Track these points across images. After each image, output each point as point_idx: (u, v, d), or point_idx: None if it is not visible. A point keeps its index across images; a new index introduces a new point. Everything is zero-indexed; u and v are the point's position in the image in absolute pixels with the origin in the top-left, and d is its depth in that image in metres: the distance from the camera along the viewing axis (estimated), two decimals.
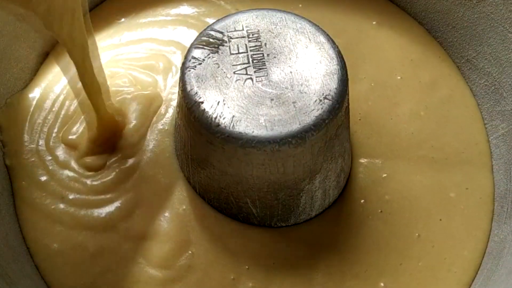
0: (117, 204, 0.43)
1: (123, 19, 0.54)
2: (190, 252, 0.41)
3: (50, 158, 0.45)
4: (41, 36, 0.51)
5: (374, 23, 0.53)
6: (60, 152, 0.45)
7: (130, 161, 0.44)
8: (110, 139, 0.45)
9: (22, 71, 0.49)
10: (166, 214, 0.43)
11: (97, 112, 0.43)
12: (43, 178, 0.44)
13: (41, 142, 0.46)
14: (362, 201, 0.44)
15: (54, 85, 0.49)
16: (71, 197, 0.43)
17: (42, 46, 0.51)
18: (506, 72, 0.47)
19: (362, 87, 0.49)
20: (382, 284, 0.41)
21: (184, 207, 0.43)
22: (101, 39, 0.52)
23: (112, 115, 0.44)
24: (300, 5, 0.53)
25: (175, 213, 0.43)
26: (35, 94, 0.48)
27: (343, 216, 0.44)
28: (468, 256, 0.42)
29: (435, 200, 0.44)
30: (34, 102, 0.48)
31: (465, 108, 0.49)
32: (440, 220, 0.44)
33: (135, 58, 0.51)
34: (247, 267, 0.41)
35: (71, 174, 0.44)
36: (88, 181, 0.44)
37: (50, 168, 0.44)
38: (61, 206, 0.43)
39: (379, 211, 0.44)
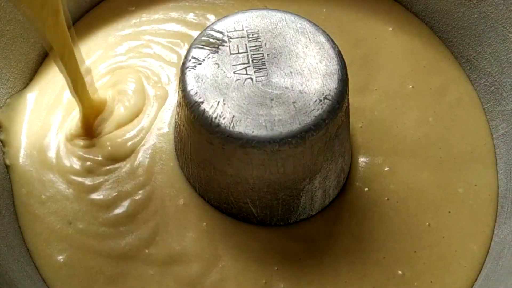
0: (135, 234, 0.42)
1: (134, 8, 0.54)
2: (220, 265, 0.41)
3: (45, 179, 0.44)
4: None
5: (390, 29, 0.53)
6: (58, 180, 0.44)
7: (142, 191, 0.43)
8: (94, 121, 0.45)
9: (22, 71, 0.49)
10: (190, 234, 0.42)
11: (81, 103, 0.43)
12: (44, 197, 0.43)
13: (37, 152, 0.45)
14: (366, 189, 0.44)
15: (54, 85, 0.49)
16: (80, 226, 0.42)
17: (42, 46, 0.51)
18: (506, 72, 0.47)
19: (371, 98, 0.48)
20: (400, 272, 0.41)
21: (205, 223, 0.42)
22: (114, 23, 0.52)
23: (95, 106, 0.45)
24: (324, 10, 0.53)
25: (199, 230, 0.42)
26: (35, 94, 0.48)
27: (350, 205, 0.44)
28: (477, 252, 0.43)
29: (443, 194, 0.45)
30: (34, 102, 0.48)
31: (474, 109, 0.49)
32: (449, 212, 0.44)
33: (159, 34, 0.50)
34: (276, 268, 0.41)
35: (77, 206, 0.43)
36: (100, 215, 0.42)
37: (51, 191, 0.43)
38: (69, 230, 0.42)
39: (386, 198, 0.44)
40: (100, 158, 0.44)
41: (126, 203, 0.43)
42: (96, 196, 0.43)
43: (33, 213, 0.43)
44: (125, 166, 0.44)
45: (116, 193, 0.43)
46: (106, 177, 0.44)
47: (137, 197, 0.43)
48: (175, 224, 0.42)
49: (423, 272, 0.41)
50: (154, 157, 0.45)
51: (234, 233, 0.42)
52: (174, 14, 0.53)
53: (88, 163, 0.44)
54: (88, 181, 0.44)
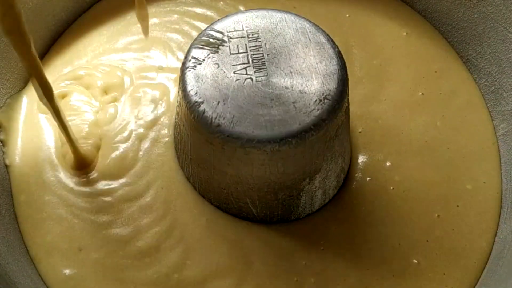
0: (163, 263, 0.41)
1: None
2: (254, 272, 0.41)
3: (45, 200, 0.43)
4: (41, 37, 0.51)
5: (404, 34, 0.52)
6: (60, 206, 0.42)
7: (164, 222, 0.42)
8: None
9: (22, 71, 0.49)
10: (220, 248, 0.41)
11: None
12: (45, 214, 0.42)
13: (35, 162, 0.44)
14: (368, 179, 0.44)
15: (54, 85, 0.49)
16: (95, 256, 0.41)
17: (41, 46, 0.51)
18: (506, 72, 0.47)
19: (377, 107, 0.48)
20: (415, 261, 0.41)
21: (232, 234, 0.42)
22: (128, 10, 0.52)
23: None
24: (348, 15, 0.53)
25: (228, 243, 0.42)
26: (35, 94, 0.48)
27: (355, 194, 0.44)
28: (486, 249, 0.43)
29: (451, 189, 0.44)
30: (34, 102, 0.48)
31: (482, 110, 0.49)
32: (458, 206, 0.44)
33: (189, 15, 0.50)
34: (304, 262, 0.41)
35: (88, 239, 0.41)
36: (119, 248, 0.41)
37: (52, 211, 0.42)
38: (79, 255, 0.41)
39: (391, 188, 0.44)
40: (109, 199, 0.43)
41: (147, 236, 0.41)
42: (111, 231, 0.42)
43: (34, 224, 0.42)
44: (137, 203, 0.43)
45: (133, 228, 0.42)
46: (118, 215, 0.42)
47: (158, 229, 0.42)
48: (204, 243, 0.41)
49: (436, 263, 0.41)
50: (169, 187, 0.43)
51: (260, 236, 0.42)
52: (203, 0, 0.52)
53: (94, 204, 0.43)
54: (98, 219, 0.42)
